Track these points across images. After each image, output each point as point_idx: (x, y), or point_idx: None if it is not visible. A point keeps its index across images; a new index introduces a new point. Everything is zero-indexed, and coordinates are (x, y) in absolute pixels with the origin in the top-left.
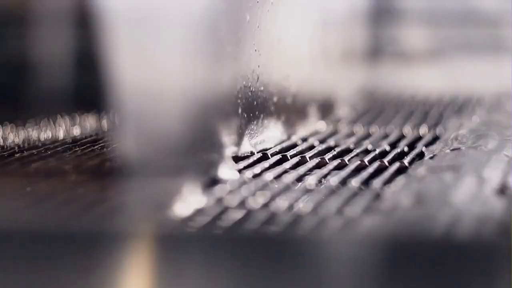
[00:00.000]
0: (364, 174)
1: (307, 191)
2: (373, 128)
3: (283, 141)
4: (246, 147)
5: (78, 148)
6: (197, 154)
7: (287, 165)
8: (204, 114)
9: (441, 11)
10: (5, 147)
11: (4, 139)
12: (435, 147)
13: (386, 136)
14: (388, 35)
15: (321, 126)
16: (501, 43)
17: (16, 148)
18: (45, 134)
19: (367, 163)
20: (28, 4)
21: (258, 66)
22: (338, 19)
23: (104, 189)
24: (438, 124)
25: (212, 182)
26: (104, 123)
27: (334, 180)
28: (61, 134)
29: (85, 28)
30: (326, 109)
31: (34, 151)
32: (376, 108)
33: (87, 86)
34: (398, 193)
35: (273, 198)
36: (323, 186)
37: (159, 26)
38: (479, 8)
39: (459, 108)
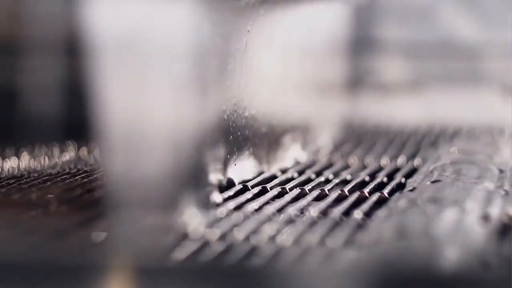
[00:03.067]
0: (345, 204)
1: (288, 222)
2: (352, 158)
3: (262, 172)
4: (227, 178)
5: (64, 178)
6: (180, 185)
7: (267, 196)
8: (187, 146)
9: (420, 42)
10: None
11: None
12: (415, 178)
13: (365, 167)
14: (368, 66)
15: (301, 156)
16: (479, 75)
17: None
18: (32, 163)
19: (347, 193)
20: (18, 33)
21: (241, 97)
22: (318, 49)
23: (88, 221)
24: (416, 154)
25: (195, 213)
26: (92, 152)
27: (315, 210)
28: (48, 164)
29: (75, 58)
30: (305, 139)
31: (20, 180)
32: (354, 138)
33: (76, 116)
34: (380, 225)
35: (254, 230)
36: (304, 217)
37: (147, 57)
38: (458, 39)
39: (437, 139)
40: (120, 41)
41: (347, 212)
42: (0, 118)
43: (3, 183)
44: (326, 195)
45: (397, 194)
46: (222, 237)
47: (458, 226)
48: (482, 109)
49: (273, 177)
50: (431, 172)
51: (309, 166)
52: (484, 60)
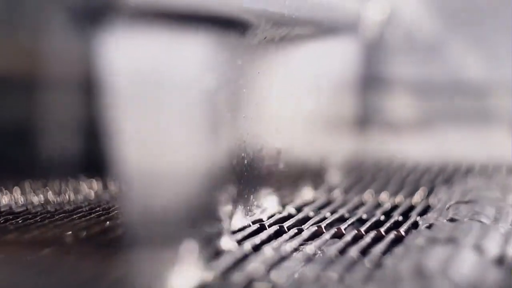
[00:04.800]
0: (362, 243)
1: (306, 260)
2: (365, 196)
3: (278, 212)
4: (243, 218)
5: (81, 215)
6: (195, 225)
7: (285, 236)
8: (201, 183)
9: (429, 79)
10: (3, 212)
11: (8, 203)
12: (430, 217)
13: (379, 205)
14: (377, 103)
15: (314, 195)
16: (488, 113)
17: (12, 214)
18: (48, 199)
19: (363, 232)
20: (35, 71)
21: (253, 134)
22: (327, 86)
23: (104, 260)
24: (430, 193)
25: (212, 254)
26: (108, 189)
27: (332, 249)
28: (64, 200)
29: (91, 96)
30: (318, 177)
31: (36, 217)
32: (368, 176)
33: (92, 153)
34: (397, 264)
35: (273, 269)
36: (322, 255)
37: (162, 96)
38: (466, 78)
39: (450, 177)
40: (136, 80)
41: (365, 251)
42: (16, 154)
43: (20, 219)
44: (342, 234)
45: (414, 232)
46: (241, 276)
47: (475, 267)
48: (492, 147)
49: (288, 216)
50: (447, 210)
51: (323, 204)
52: (493, 98)
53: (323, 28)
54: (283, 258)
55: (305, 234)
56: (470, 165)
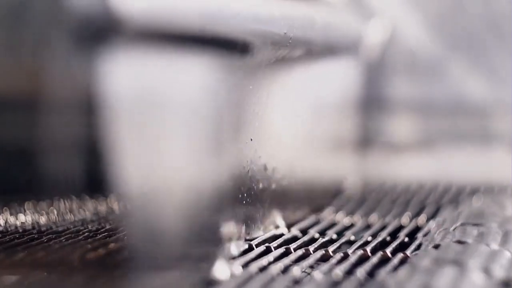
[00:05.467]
0: (368, 264)
1: (312, 283)
2: (371, 218)
3: (282, 233)
4: (246, 239)
5: (86, 236)
6: (198, 247)
7: (291, 257)
8: (205, 205)
9: (430, 100)
10: (8, 231)
11: (7, 224)
12: (435, 238)
13: (385, 226)
14: (378, 124)
15: (319, 217)
16: (490, 133)
17: (17, 234)
18: (50, 220)
19: (369, 253)
20: (36, 91)
21: (256, 155)
22: (329, 107)
23: (108, 283)
24: (435, 214)
25: (216, 276)
26: (111, 210)
27: (339, 271)
28: (67, 220)
29: (93, 116)
30: (321, 199)
31: (34, 237)
32: (371, 198)
33: (94, 173)
34: (404, 285)
35: None
36: (328, 277)
37: (164, 116)
38: (468, 98)
39: (454, 198)
40: (137, 101)
41: (372, 273)
42: (19, 174)
43: (24, 240)
44: (348, 256)
45: (420, 252)
46: None
47: None
48: (494, 168)
49: (293, 238)
50: (453, 230)
51: (329, 226)
52: (495, 118)
53: (324, 49)
54: (289, 281)
55: (312, 256)
56: (474, 185)
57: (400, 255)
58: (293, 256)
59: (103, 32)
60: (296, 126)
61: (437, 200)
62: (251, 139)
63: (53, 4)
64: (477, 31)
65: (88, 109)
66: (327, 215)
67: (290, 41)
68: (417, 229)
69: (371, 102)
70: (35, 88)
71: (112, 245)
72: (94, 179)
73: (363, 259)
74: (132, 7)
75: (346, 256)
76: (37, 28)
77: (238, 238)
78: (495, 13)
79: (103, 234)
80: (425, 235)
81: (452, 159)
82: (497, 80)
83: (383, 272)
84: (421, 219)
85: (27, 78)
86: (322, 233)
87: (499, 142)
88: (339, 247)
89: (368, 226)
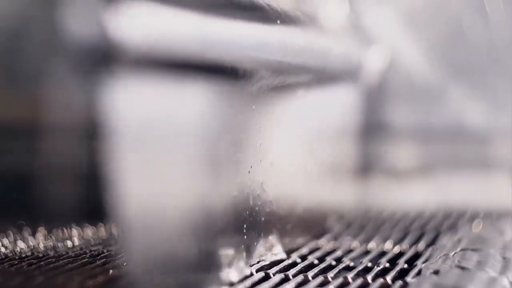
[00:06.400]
0: None
1: None
2: (370, 244)
3: (281, 260)
4: (246, 265)
5: (85, 262)
6: (198, 272)
7: (290, 284)
8: (204, 231)
9: (430, 127)
10: (7, 257)
11: (7, 248)
12: (434, 266)
13: (384, 253)
14: (378, 150)
15: (319, 243)
16: (490, 160)
17: (17, 259)
18: (50, 244)
19: (370, 281)
20: (38, 117)
21: (254, 181)
22: (328, 133)
23: None
24: (435, 240)
25: None
26: (110, 234)
27: None
28: (67, 245)
29: (93, 141)
30: (320, 225)
31: (34, 263)
32: (370, 224)
33: (94, 198)
34: None
35: None
36: None
37: (163, 141)
38: (467, 124)
39: (454, 224)
40: (137, 126)
41: None
42: (19, 199)
43: (24, 265)
44: (348, 283)
45: (420, 278)
46: None
47: None
48: (494, 194)
49: (293, 263)
50: (453, 256)
51: (328, 252)
52: (494, 144)
53: (323, 76)
54: None
55: (312, 283)
56: (474, 211)
57: (399, 282)
58: (292, 282)
59: (102, 60)
60: (296, 152)
61: (436, 226)
62: (246, 163)
63: (53, 32)
64: (477, 58)
65: (88, 134)
66: (327, 241)
67: (290, 68)
68: (416, 255)
69: (371, 129)
70: (36, 114)
71: (111, 272)
72: (93, 205)
73: (363, 286)
74: (131, 35)
75: (345, 283)
76: (38, 55)
77: (237, 264)
78: (495, 39)
79: (102, 261)
80: (424, 261)
81: (452, 185)
82: (496, 106)
83: None
84: (421, 245)
85: (28, 105)
86: (321, 259)
87: (499, 168)
88: (338, 273)
89: (367, 252)
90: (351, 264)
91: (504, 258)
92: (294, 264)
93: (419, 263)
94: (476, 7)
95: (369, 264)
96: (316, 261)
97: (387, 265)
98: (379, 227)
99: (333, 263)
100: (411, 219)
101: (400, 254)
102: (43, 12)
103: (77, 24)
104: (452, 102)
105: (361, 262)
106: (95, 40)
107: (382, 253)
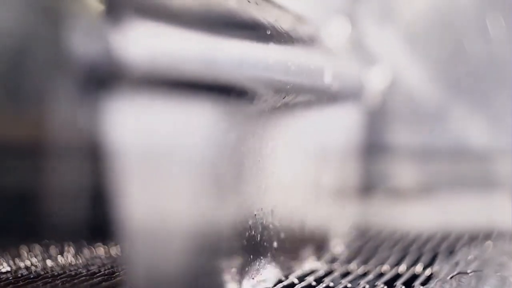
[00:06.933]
0: None
1: None
2: (368, 266)
3: (280, 280)
4: (246, 285)
5: (85, 279)
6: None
7: None
8: (206, 251)
9: (432, 147)
10: (11, 275)
11: (11, 267)
12: (433, 286)
13: (382, 274)
14: (380, 170)
15: (317, 264)
16: (492, 179)
17: (12, 278)
18: (53, 263)
19: None
20: (42, 138)
21: (257, 201)
22: (331, 154)
23: None
24: (433, 262)
25: None
26: (112, 253)
27: None
28: (70, 264)
29: (97, 161)
30: (321, 246)
31: (41, 279)
32: (370, 245)
33: (97, 217)
34: None
35: None
36: None
37: (166, 160)
38: (469, 143)
39: (454, 245)
40: (141, 146)
41: None
42: (22, 218)
43: (25, 283)
44: None
45: None
46: None
47: None
48: (495, 214)
49: (291, 284)
50: (450, 279)
51: (326, 274)
52: (496, 164)
53: (325, 95)
54: None
55: None
56: (474, 232)
57: None
58: None
59: (106, 79)
60: (298, 172)
61: (435, 247)
62: (250, 184)
63: (57, 52)
64: (479, 77)
65: (91, 155)
66: (325, 262)
67: (292, 88)
68: (414, 277)
69: (373, 148)
70: (39, 134)
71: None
72: (97, 225)
73: None
74: (135, 55)
75: None
76: (41, 75)
77: (238, 284)
78: (497, 58)
79: (103, 277)
80: (422, 284)
81: (453, 204)
82: (498, 125)
83: None
84: (418, 267)
85: (30, 125)
86: (319, 280)
87: (501, 187)
88: None
89: (365, 274)
90: (349, 285)
91: (501, 279)
92: (292, 285)
93: (416, 285)
94: (478, 27)
95: (367, 287)
96: (314, 283)
97: (385, 287)
98: (377, 248)
99: (331, 284)
100: (411, 240)
101: (397, 276)
102: (47, 31)
103: (81, 43)
104: (453, 122)
105: (358, 284)
106: (100, 59)
107: (380, 275)
